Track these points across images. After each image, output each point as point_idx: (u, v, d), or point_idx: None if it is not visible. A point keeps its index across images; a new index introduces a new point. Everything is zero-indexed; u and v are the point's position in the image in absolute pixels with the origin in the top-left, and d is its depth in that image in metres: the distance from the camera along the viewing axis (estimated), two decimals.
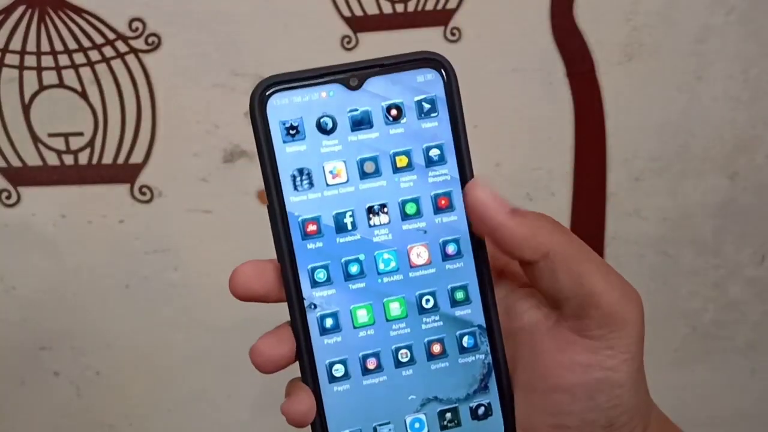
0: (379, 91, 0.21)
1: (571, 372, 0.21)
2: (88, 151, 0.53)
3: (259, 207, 0.53)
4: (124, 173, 0.53)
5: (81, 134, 0.52)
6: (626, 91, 0.53)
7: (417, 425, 0.21)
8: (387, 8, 0.52)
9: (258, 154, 0.21)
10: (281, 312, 0.57)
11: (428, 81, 0.21)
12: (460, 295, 0.22)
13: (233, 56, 0.52)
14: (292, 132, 0.21)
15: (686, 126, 0.53)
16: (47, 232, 0.52)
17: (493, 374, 0.22)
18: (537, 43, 0.52)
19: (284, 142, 0.21)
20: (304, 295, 0.21)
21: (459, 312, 0.22)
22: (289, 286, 0.21)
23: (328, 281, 0.21)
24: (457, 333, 0.22)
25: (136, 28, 0.50)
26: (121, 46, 0.51)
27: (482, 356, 0.22)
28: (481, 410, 0.22)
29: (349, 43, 0.52)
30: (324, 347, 0.21)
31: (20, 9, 0.49)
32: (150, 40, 0.51)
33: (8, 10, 0.49)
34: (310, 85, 0.21)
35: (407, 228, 0.21)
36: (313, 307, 0.21)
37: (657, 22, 0.52)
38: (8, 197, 0.52)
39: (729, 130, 0.54)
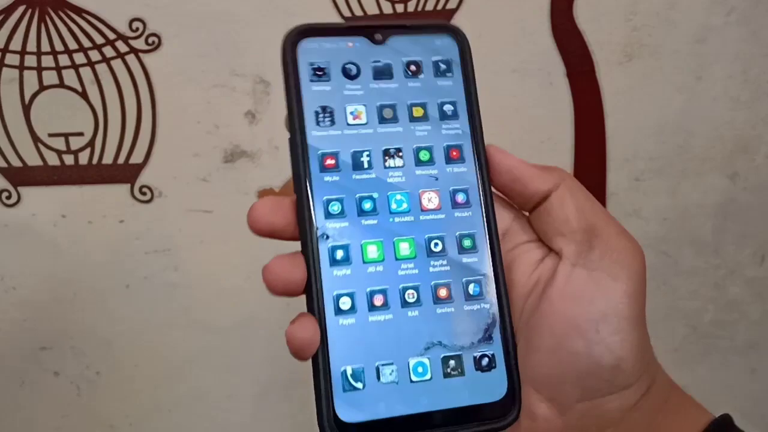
0: (401, 48, 0.23)
1: (576, 305, 0.21)
2: (88, 151, 0.53)
3: None
4: (125, 173, 0.53)
5: (81, 134, 0.52)
6: (626, 91, 0.53)
7: (420, 369, 0.21)
8: (387, 8, 0.52)
9: (285, 90, 0.22)
10: (280, 312, 0.57)
11: (445, 45, 0.23)
12: (467, 242, 0.22)
13: (233, 56, 0.52)
14: (318, 73, 0.22)
15: (686, 126, 0.53)
16: (47, 232, 0.52)
17: (498, 326, 0.22)
18: (537, 43, 0.52)
19: (311, 81, 0.22)
20: (317, 225, 0.21)
21: (466, 259, 0.22)
22: (303, 215, 0.21)
23: (342, 214, 0.22)
24: (464, 279, 0.22)
25: (137, 29, 0.50)
26: (122, 46, 0.51)
27: (487, 306, 0.22)
28: (485, 361, 0.21)
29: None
30: (333, 278, 0.21)
31: (20, 9, 0.49)
32: (150, 40, 0.51)
33: (8, 10, 0.49)
34: (338, 35, 0.22)
35: (420, 173, 0.22)
36: (325, 237, 0.21)
37: (657, 22, 0.52)
38: (8, 197, 0.52)
39: (729, 130, 0.54)
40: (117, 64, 0.52)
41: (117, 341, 0.54)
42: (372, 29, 0.23)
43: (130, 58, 0.52)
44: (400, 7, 0.52)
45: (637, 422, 0.22)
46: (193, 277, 0.53)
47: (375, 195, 0.22)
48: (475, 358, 0.21)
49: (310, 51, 0.22)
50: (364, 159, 0.22)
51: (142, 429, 0.57)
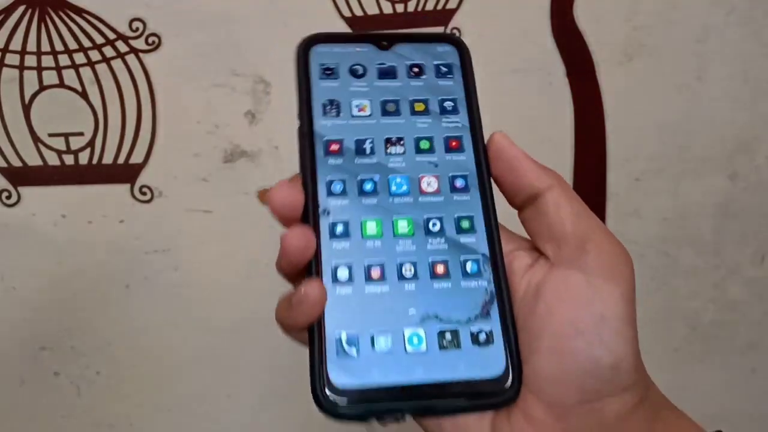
0: (405, 53, 0.25)
1: (574, 306, 0.21)
2: (88, 151, 0.53)
3: (260, 207, 0.53)
4: (125, 173, 0.53)
5: (81, 134, 0.52)
6: (626, 91, 0.53)
7: (415, 340, 0.21)
8: (387, 8, 0.52)
9: (297, 88, 0.24)
10: (273, 309, 0.56)
11: (447, 51, 0.25)
12: (465, 224, 0.23)
13: (233, 56, 0.52)
14: (327, 72, 0.24)
15: (686, 126, 0.53)
16: (47, 232, 0.52)
17: (496, 303, 0.22)
18: (537, 43, 0.52)
19: (320, 78, 0.24)
20: (319, 202, 0.23)
21: (464, 239, 0.23)
22: (307, 193, 0.23)
23: (343, 193, 0.23)
24: (461, 258, 0.22)
25: (137, 28, 0.50)
26: (122, 46, 0.51)
27: (485, 283, 0.22)
28: (482, 336, 0.22)
29: None
30: (332, 250, 0.22)
31: (20, 9, 0.49)
32: (150, 40, 0.51)
33: (8, 10, 0.49)
34: (348, 41, 0.25)
35: (420, 160, 0.24)
36: (326, 213, 0.22)
37: (657, 22, 0.52)
38: (8, 197, 0.52)
39: (729, 130, 0.54)
40: (117, 64, 0.52)
41: (117, 341, 0.54)
42: (379, 37, 0.25)
43: (130, 58, 0.52)
44: (400, 7, 0.52)
45: (633, 430, 0.22)
46: (193, 277, 0.53)
47: (376, 178, 0.23)
48: (472, 333, 0.22)
49: (321, 54, 0.24)
50: (367, 146, 0.23)
51: (142, 429, 0.57)
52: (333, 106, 0.24)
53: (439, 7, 0.52)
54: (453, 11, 0.52)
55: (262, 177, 0.53)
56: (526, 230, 0.24)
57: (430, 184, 0.23)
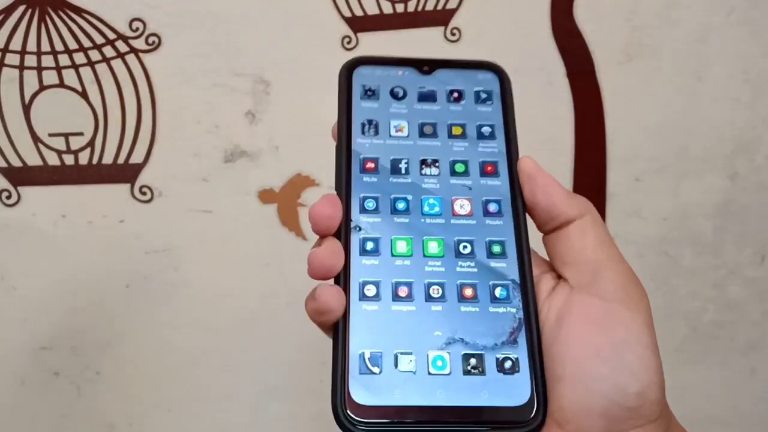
0: (446, 79, 0.25)
1: (597, 332, 0.21)
2: (88, 151, 0.53)
3: (260, 207, 0.53)
4: (125, 173, 0.53)
5: (81, 134, 0.52)
6: (626, 91, 0.53)
7: (439, 363, 0.21)
8: (387, 8, 0.52)
9: (338, 105, 0.25)
10: (280, 312, 0.57)
11: (487, 79, 0.26)
12: (497, 248, 0.23)
13: (233, 56, 0.52)
14: (369, 93, 0.25)
15: (686, 126, 0.53)
16: (47, 232, 0.52)
17: (524, 330, 0.22)
18: (537, 43, 0.52)
19: (361, 98, 0.25)
20: (352, 218, 0.23)
21: (494, 263, 0.23)
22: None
23: (376, 210, 0.23)
24: (491, 282, 0.22)
25: (137, 28, 0.50)
26: (122, 46, 0.51)
27: (514, 310, 0.22)
28: (508, 364, 0.21)
29: (349, 43, 0.52)
30: (361, 266, 0.22)
31: (20, 9, 0.49)
32: (150, 40, 0.51)
33: (8, 10, 0.49)
34: (390, 65, 0.25)
35: (454, 182, 0.24)
36: (358, 229, 0.23)
37: (657, 22, 0.52)
38: (8, 197, 0.52)
39: (729, 130, 0.54)
40: (117, 63, 0.52)
41: (117, 341, 0.55)
42: (421, 62, 0.25)
43: (130, 58, 0.52)
44: (400, 7, 0.52)
45: None
46: (193, 277, 0.53)
47: (409, 197, 0.23)
48: (497, 359, 0.21)
49: (363, 76, 0.25)
50: (402, 166, 0.24)
51: (142, 429, 0.57)
52: (371, 126, 0.24)
53: (439, 7, 0.52)
54: (453, 11, 0.52)
55: (262, 177, 0.53)
56: (548, 253, 0.23)
57: (463, 206, 0.23)
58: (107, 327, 0.54)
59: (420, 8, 0.53)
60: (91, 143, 0.53)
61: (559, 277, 0.23)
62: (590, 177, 0.53)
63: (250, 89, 0.53)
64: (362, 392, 0.20)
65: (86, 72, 0.51)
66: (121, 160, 0.53)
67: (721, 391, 0.59)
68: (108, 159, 0.53)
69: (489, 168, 0.24)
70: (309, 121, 0.52)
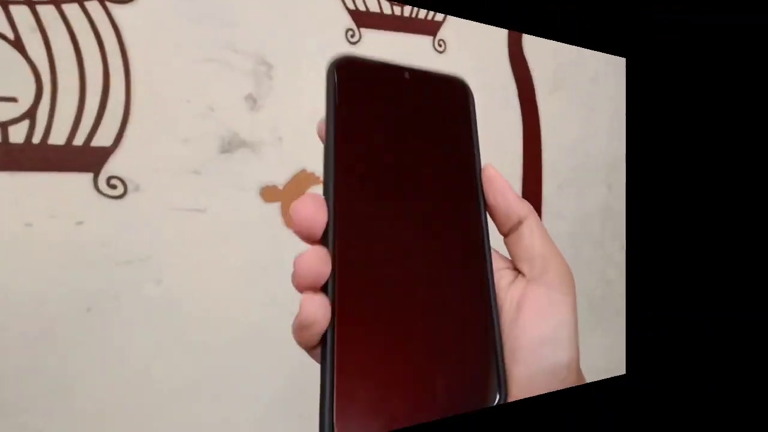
0: (423, 88, 0.26)
1: (543, 318, 0.25)
2: (25, 124, 0.38)
3: (262, 206, 0.46)
4: (84, 159, 0.40)
5: (14, 100, 0.38)
6: (551, 117, 0.63)
7: (422, 382, 0.22)
8: (387, 9, 0.52)
9: (326, 108, 0.24)
10: (280, 326, 0.49)
11: (458, 92, 0.27)
12: (466, 247, 0.25)
13: (233, 30, 0.44)
14: (353, 95, 0.25)
15: (582, 147, 0.67)
16: None
17: (489, 330, 0.24)
18: (501, 65, 0.58)
19: (346, 100, 0.24)
20: (337, 221, 0.23)
21: (462, 267, 0.25)
22: (329, 212, 0.23)
23: (361, 215, 0.23)
24: (460, 285, 0.24)
25: None
26: None
27: (480, 311, 0.25)
28: (481, 363, 0.23)
29: (353, 36, 0.50)
30: (347, 274, 0.22)
31: None
32: None
33: None
34: (373, 68, 0.25)
35: (429, 187, 0.25)
36: (341, 232, 0.23)
37: (571, 61, 0.64)
38: None
39: (608, 151, 0.69)
40: (72, 9, 0.39)
41: (79, 385, 0.40)
42: (401, 69, 0.25)
43: (93, 6, 0.40)
44: (397, 10, 0.53)
45: None
46: (181, 291, 0.43)
47: (390, 199, 0.24)
48: (471, 361, 0.23)
49: (350, 76, 0.24)
50: (382, 169, 0.24)
51: None
52: (355, 128, 0.24)
53: (429, 17, 0.54)
54: (440, 23, 0.54)
55: (263, 171, 0.46)
56: (510, 253, 0.27)
57: (437, 209, 0.25)
58: (63, 369, 0.39)
59: (414, 15, 0.53)
60: (30, 114, 0.38)
61: (516, 270, 0.27)
62: (531, 184, 0.62)
63: (250, 70, 0.45)
64: (348, 421, 0.20)
65: (22, 14, 0.37)
66: (78, 141, 0.40)
67: (602, 345, 0.74)
68: (58, 138, 0.39)
69: (458, 173, 0.25)
70: (315, 113, 0.47)
